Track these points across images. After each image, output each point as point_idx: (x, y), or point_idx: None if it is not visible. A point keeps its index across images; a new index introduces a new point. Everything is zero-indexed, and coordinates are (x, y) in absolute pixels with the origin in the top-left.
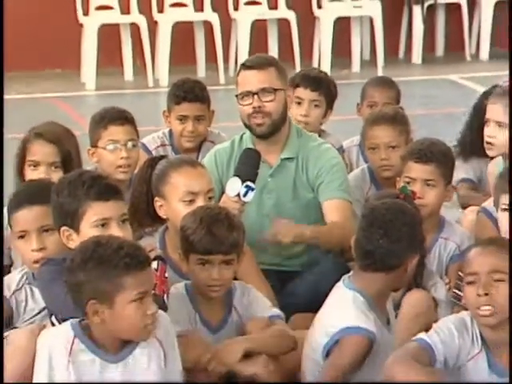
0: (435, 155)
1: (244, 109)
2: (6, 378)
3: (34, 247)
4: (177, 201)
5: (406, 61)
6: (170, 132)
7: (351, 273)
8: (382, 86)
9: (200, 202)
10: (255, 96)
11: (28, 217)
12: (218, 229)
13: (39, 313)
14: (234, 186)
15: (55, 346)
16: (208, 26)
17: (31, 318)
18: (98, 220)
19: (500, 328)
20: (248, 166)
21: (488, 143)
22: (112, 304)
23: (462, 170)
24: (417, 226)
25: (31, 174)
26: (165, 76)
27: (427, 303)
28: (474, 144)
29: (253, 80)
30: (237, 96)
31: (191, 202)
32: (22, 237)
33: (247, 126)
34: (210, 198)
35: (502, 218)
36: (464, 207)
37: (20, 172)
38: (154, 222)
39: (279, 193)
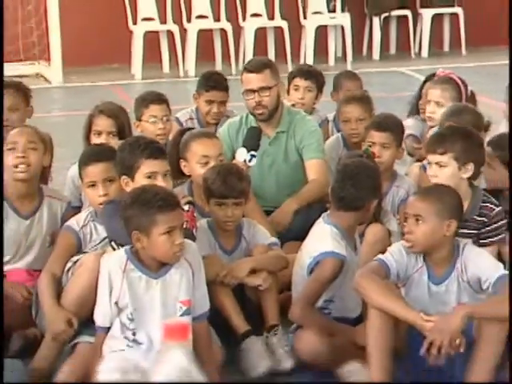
0: (389, 125)
1: (248, 102)
2: (75, 293)
3: (100, 193)
4: (195, 163)
5: (368, 57)
6: (197, 109)
7: (328, 212)
8: (349, 78)
9: (212, 164)
10: (256, 93)
11: (95, 170)
12: (230, 180)
13: (100, 242)
14: (242, 154)
15: (113, 266)
16: (223, 32)
17: (95, 246)
18: (148, 173)
19: (433, 251)
20: (252, 140)
21: (429, 117)
22: (149, 234)
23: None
24: (376, 178)
25: (95, 140)
26: (192, 69)
27: (383, 233)
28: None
29: (253, 81)
30: (243, 92)
31: (206, 163)
32: (91, 186)
33: (251, 113)
34: (220, 161)
35: (429, 171)
36: (410, 154)
37: (87, 138)
38: (183, 176)
39: (275, 156)
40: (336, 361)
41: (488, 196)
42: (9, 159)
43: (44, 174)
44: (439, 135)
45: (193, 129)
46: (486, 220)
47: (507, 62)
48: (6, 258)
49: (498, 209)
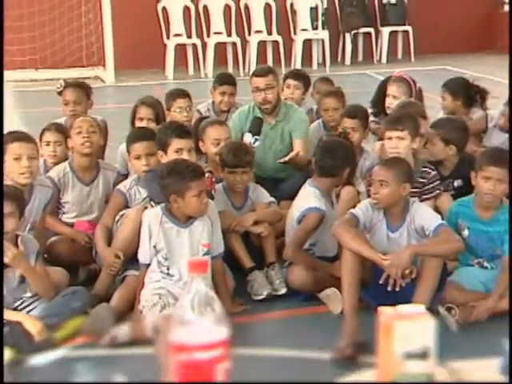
0: (357, 113)
1: (256, 98)
2: (123, 238)
3: (143, 164)
4: (209, 143)
5: (341, 63)
6: (213, 102)
7: (312, 178)
8: (322, 81)
9: (222, 144)
10: (262, 91)
11: (140, 147)
12: (239, 154)
13: (142, 201)
14: (248, 137)
15: (152, 218)
16: (234, 44)
17: (137, 203)
18: (176, 148)
19: (391, 207)
20: (255, 127)
21: (387, 107)
22: (184, 197)
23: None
24: (348, 152)
25: (138, 124)
26: (210, 72)
27: (354, 193)
28: (378, 105)
29: (261, 82)
30: (252, 91)
31: (217, 144)
32: (136, 158)
33: (258, 107)
34: None
35: (389, 144)
36: (373, 132)
37: (132, 123)
38: (201, 153)
39: (274, 139)
40: (318, 287)
41: (425, 163)
42: (76, 139)
43: (100, 151)
44: (397, 118)
45: (209, 117)
46: (425, 181)
47: (442, 66)
48: (72, 214)
49: (433, 172)
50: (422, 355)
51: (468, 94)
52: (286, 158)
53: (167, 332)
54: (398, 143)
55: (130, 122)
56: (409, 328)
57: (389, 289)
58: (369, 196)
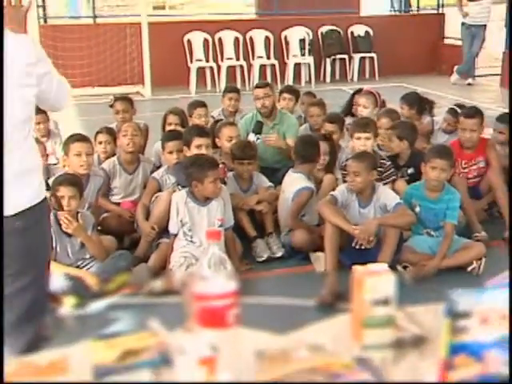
0: (336, 119)
1: (257, 104)
2: (157, 214)
3: (174, 157)
4: (224, 140)
5: (323, 81)
6: (223, 110)
7: (294, 167)
8: (306, 95)
9: (234, 141)
10: (261, 99)
11: (171, 144)
12: (246, 149)
13: (171, 186)
14: (252, 137)
15: (179, 199)
16: (241, 67)
17: (168, 187)
18: (197, 145)
19: (362, 190)
20: (257, 129)
21: (360, 114)
22: (203, 183)
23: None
24: (319, 143)
25: (168, 128)
26: (223, 87)
27: (334, 180)
28: (347, 112)
29: (260, 92)
30: (254, 99)
31: (230, 140)
32: (169, 153)
33: (258, 111)
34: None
35: (359, 143)
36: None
37: (163, 128)
38: (216, 148)
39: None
40: (313, 247)
41: (382, 156)
42: (123, 140)
43: (141, 148)
44: (365, 123)
45: (221, 120)
46: (382, 169)
47: (400, 84)
48: (119, 196)
49: (388, 163)
50: (385, 302)
51: (420, 104)
52: (271, 142)
53: (190, 285)
54: (366, 142)
55: (162, 126)
56: (375, 281)
57: (357, 247)
58: (344, 181)
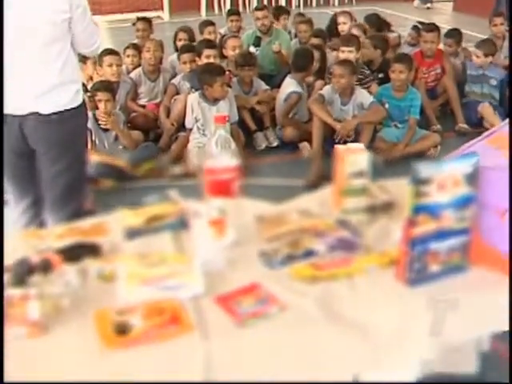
0: (320, 34)
1: (256, 24)
2: (176, 113)
3: (188, 66)
4: (229, 50)
5: (310, 5)
6: (228, 28)
7: (290, 74)
8: (299, 16)
9: (237, 51)
10: (260, 20)
11: (187, 56)
12: (247, 58)
13: (187, 89)
14: (252, 49)
15: (193, 99)
16: None
17: (184, 91)
18: (207, 55)
19: (345, 90)
20: (257, 42)
21: (341, 31)
22: (212, 86)
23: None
24: (312, 55)
25: (178, 43)
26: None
27: (323, 83)
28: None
29: (259, 14)
30: (254, 20)
31: (234, 50)
32: (184, 63)
33: (258, 29)
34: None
35: (343, 55)
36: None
37: (174, 43)
38: (224, 57)
39: (268, 50)
40: (300, 139)
41: (363, 66)
42: (146, 54)
43: (160, 61)
44: (348, 39)
45: (227, 35)
46: (362, 77)
47: (374, 8)
48: (145, 100)
49: (367, 72)
50: (361, 174)
51: (378, 23)
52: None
53: (203, 164)
54: (349, 54)
55: (173, 42)
56: (354, 157)
57: (340, 139)
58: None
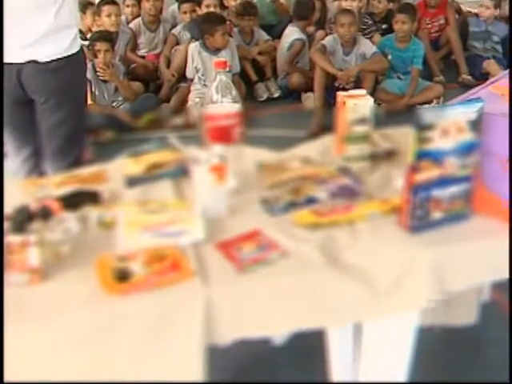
0: None
1: None
2: (176, 63)
3: (188, 16)
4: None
5: None
6: None
7: (292, 22)
8: None
9: (238, 1)
10: None
11: (187, 6)
12: (247, 7)
13: (187, 39)
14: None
15: (194, 49)
16: None
17: (184, 41)
18: (207, 5)
19: (347, 40)
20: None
21: None
22: (214, 36)
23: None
24: (314, 4)
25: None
26: None
27: (324, 34)
28: None
29: None
30: None
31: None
32: (184, 13)
33: None
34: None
35: None
36: None
37: None
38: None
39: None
40: (305, 87)
41: (366, 17)
42: (146, 4)
43: (161, 11)
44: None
45: None
46: (365, 27)
47: None
48: (145, 50)
49: (370, 22)
50: (363, 121)
51: None
52: None
53: (203, 112)
54: (352, 3)
55: None
56: (355, 102)
57: (340, 86)
58: (330, 33)
